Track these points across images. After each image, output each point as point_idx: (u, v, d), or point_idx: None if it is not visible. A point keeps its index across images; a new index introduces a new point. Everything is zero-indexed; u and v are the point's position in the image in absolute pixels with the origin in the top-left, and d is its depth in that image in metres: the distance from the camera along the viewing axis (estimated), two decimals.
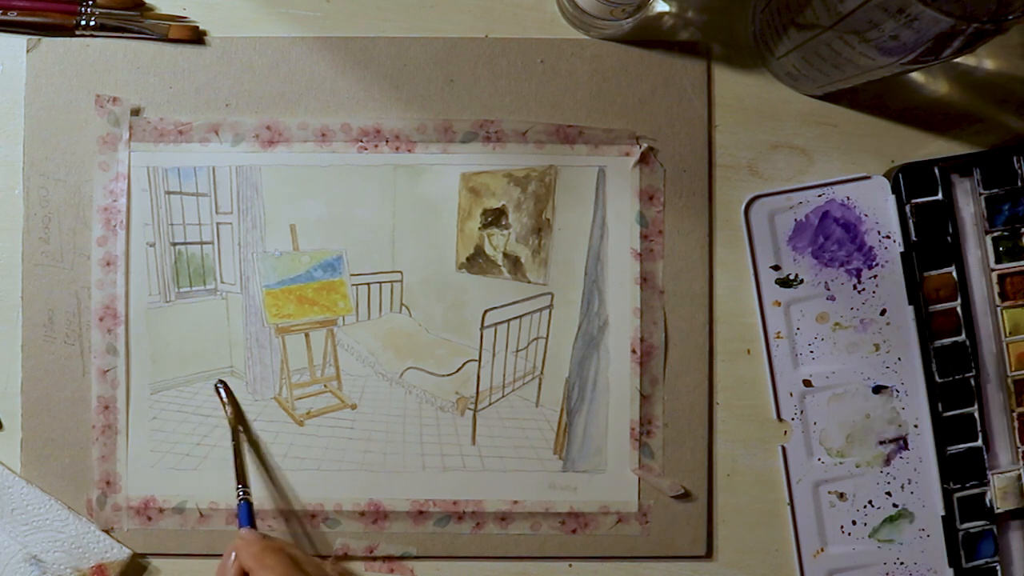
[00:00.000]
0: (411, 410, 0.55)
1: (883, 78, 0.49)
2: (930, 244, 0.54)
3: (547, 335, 0.55)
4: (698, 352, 0.54)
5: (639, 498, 0.54)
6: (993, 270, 0.54)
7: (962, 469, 0.54)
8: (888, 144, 0.55)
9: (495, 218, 0.55)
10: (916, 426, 0.55)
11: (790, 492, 0.54)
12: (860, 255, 0.55)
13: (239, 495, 0.50)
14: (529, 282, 0.55)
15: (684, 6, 0.55)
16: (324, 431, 0.54)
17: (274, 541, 0.48)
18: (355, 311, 0.55)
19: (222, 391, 0.54)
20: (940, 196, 0.54)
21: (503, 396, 0.55)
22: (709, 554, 0.55)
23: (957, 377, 0.54)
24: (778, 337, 0.55)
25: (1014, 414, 0.54)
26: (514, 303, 0.55)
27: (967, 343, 0.54)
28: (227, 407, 0.53)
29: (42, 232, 0.54)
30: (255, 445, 0.54)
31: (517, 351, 0.55)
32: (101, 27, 0.54)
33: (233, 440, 0.52)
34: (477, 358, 0.55)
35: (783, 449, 0.55)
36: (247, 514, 0.49)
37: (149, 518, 0.54)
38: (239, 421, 0.53)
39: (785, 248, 0.55)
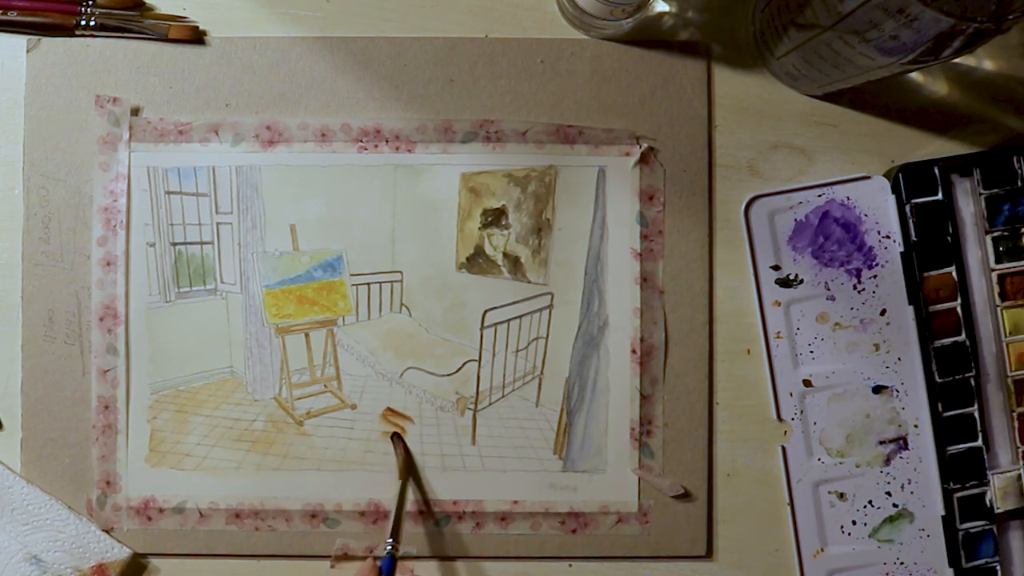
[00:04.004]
0: (411, 410, 0.55)
1: (883, 78, 0.49)
2: (930, 244, 0.54)
3: (547, 335, 0.55)
4: (698, 352, 0.54)
5: (639, 498, 0.54)
6: (993, 270, 0.54)
7: (962, 469, 0.54)
8: (888, 144, 0.55)
9: (495, 218, 0.55)
10: (916, 426, 0.55)
11: (790, 492, 0.54)
12: (860, 255, 0.55)
13: (387, 548, 0.48)
14: (529, 282, 0.55)
15: (684, 6, 0.55)
16: (324, 431, 0.54)
17: None
18: (355, 311, 0.55)
19: (397, 442, 0.53)
20: (940, 196, 0.54)
21: (503, 396, 0.55)
22: (709, 554, 0.55)
23: (957, 377, 0.54)
24: (778, 337, 0.55)
25: (1014, 414, 0.54)
26: (514, 303, 0.55)
27: (967, 343, 0.54)
28: (399, 458, 0.52)
29: (42, 232, 0.54)
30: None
31: (517, 351, 0.55)
32: (101, 27, 0.54)
33: (400, 493, 0.51)
34: (477, 358, 0.55)
35: (783, 449, 0.55)
36: (389, 567, 0.47)
37: (149, 518, 0.54)
38: (409, 473, 0.53)
39: (785, 248, 0.55)
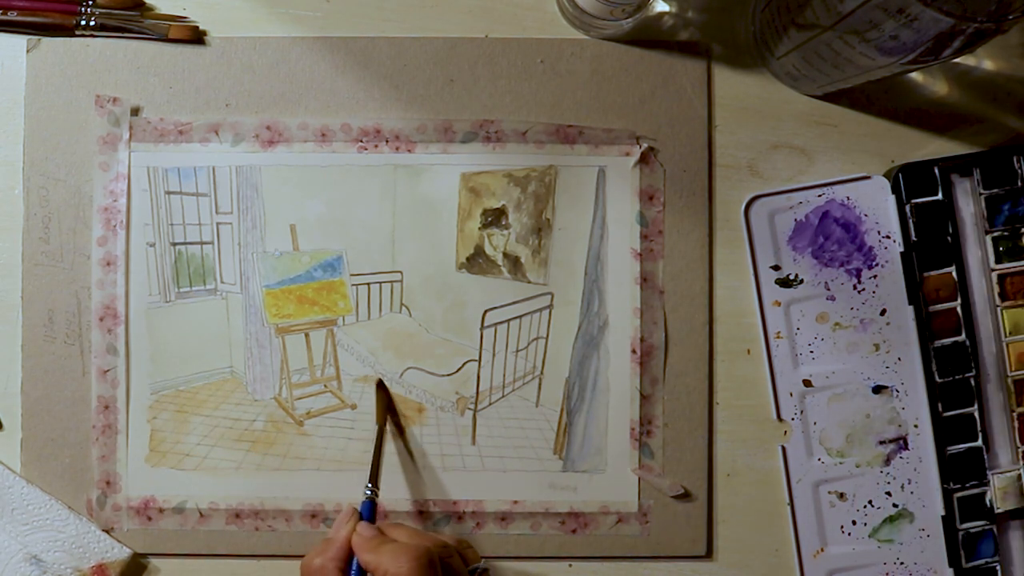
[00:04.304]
0: (411, 410, 0.55)
1: (883, 78, 0.49)
2: (930, 244, 0.54)
3: (547, 335, 0.55)
4: (698, 352, 0.54)
5: (639, 498, 0.54)
6: (993, 270, 0.54)
7: (962, 469, 0.54)
8: (888, 144, 0.55)
9: (495, 218, 0.55)
10: (916, 426, 0.55)
11: (790, 492, 0.54)
12: (860, 255, 0.55)
13: (367, 493, 0.48)
14: (529, 282, 0.55)
15: (684, 6, 0.55)
16: (324, 431, 0.54)
17: (388, 538, 0.45)
18: (355, 311, 0.55)
19: (380, 388, 0.54)
20: (940, 196, 0.54)
21: (503, 396, 0.55)
22: (709, 554, 0.55)
23: (957, 377, 0.54)
24: (778, 337, 0.55)
25: (1014, 414, 0.54)
26: (514, 303, 0.55)
27: (967, 343, 0.54)
28: (378, 404, 0.53)
29: (42, 232, 0.54)
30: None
31: (517, 351, 0.55)
32: (101, 27, 0.54)
33: (377, 438, 0.51)
34: (477, 358, 0.55)
35: (783, 449, 0.55)
36: (369, 512, 0.48)
37: (149, 518, 0.54)
38: (389, 420, 0.53)
39: (785, 248, 0.55)
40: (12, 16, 0.53)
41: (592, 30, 0.54)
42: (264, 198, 0.54)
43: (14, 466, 0.54)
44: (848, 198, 0.55)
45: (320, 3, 0.55)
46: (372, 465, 0.50)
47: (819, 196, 0.55)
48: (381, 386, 0.54)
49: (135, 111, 0.54)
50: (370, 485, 0.49)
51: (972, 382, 0.54)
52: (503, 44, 0.54)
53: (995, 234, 0.54)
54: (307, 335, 0.55)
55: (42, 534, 0.53)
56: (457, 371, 0.55)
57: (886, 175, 0.55)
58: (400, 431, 0.54)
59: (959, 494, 0.54)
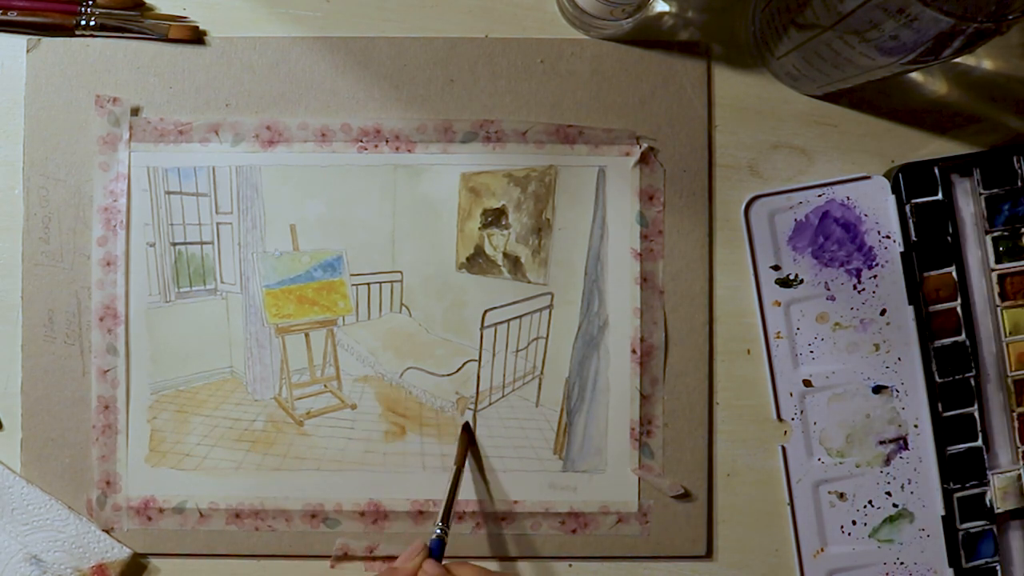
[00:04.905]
0: (411, 410, 0.55)
1: (883, 78, 0.49)
2: (930, 244, 0.54)
3: (547, 335, 0.55)
4: (698, 352, 0.54)
5: (639, 498, 0.54)
6: (993, 270, 0.54)
7: (962, 469, 0.54)
8: (888, 144, 0.55)
9: (495, 218, 0.55)
10: (916, 426, 0.55)
11: (790, 492, 0.54)
12: (860, 255, 0.55)
13: (437, 531, 0.48)
14: (529, 282, 0.55)
15: (684, 6, 0.55)
16: (324, 431, 0.54)
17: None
18: (355, 311, 0.55)
19: (463, 431, 0.54)
20: (940, 196, 0.54)
21: (503, 396, 0.55)
22: (709, 554, 0.55)
23: (957, 377, 0.54)
24: (778, 337, 0.55)
25: (1014, 414, 0.54)
26: (514, 303, 0.55)
27: (967, 343, 0.54)
28: (459, 446, 0.53)
29: (42, 232, 0.54)
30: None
31: (517, 351, 0.55)
32: (101, 27, 0.54)
33: (452, 480, 0.51)
34: (477, 358, 0.55)
35: (783, 449, 0.55)
36: (438, 549, 0.48)
37: (149, 518, 0.54)
38: (464, 462, 0.53)
39: (785, 248, 0.55)
40: (12, 16, 0.53)
41: (592, 30, 0.54)
42: (264, 198, 0.54)
43: (14, 466, 0.54)
44: (848, 198, 0.55)
45: (320, 3, 0.55)
46: (445, 505, 0.49)
47: (819, 196, 0.55)
48: (467, 429, 0.54)
49: (135, 111, 0.54)
50: (440, 524, 0.48)
51: (972, 382, 0.54)
52: (503, 44, 0.54)
53: (995, 234, 0.54)
54: (307, 335, 0.55)
55: (42, 534, 0.53)
56: (457, 371, 0.55)
57: (886, 175, 0.55)
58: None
59: (959, 494, 0.54)
